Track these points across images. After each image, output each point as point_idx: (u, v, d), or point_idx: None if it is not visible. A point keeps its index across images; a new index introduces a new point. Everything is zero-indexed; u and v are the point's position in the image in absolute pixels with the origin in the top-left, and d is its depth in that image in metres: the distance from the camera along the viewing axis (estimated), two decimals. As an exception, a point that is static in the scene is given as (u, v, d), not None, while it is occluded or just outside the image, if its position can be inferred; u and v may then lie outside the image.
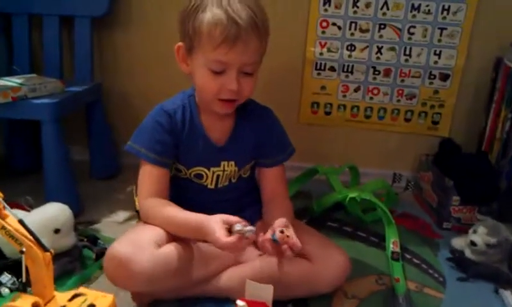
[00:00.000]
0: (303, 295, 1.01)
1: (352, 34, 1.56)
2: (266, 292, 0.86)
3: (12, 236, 0.75)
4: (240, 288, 0.92)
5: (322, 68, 1.62)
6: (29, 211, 1.10)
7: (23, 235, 0.76)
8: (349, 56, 1.59)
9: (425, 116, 1.65)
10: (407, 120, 1.66)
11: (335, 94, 1.65)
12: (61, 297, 0.82)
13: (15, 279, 0.99)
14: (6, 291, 0.97)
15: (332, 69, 1.61)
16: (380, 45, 1.57)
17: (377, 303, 1.05)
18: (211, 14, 0.89)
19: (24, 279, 0.79)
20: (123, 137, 1.02)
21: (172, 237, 0.96)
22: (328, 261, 0.99)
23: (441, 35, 1.53)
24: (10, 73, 1.46)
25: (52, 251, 0.79)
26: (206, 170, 1.05)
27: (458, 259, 1.21)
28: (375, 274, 1.16)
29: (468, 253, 1.20)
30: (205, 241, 0.93)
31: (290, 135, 1.63)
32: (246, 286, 0.87)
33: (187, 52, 0.97)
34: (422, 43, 1.55)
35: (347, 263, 1.01)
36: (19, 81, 1.28)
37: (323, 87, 1.65)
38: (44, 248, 0.77)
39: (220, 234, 0.83)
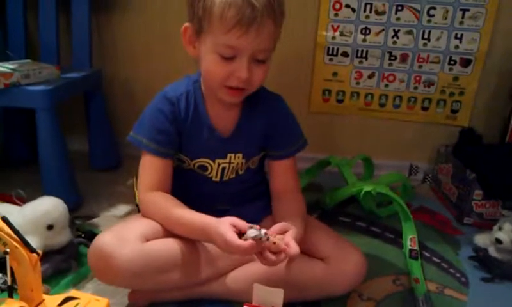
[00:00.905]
0: (316, 297, 0.94)
1: (367, 16, 1.47)
2: (276, 297, 0.78)
3: (-6, 236, 0.68)
4: (246, 289, 0.85)
5: (335, 53, 1.52)
6: (20, 205, 1.03)
7: (7, 234, 0.69)
8: (364, 40, 1.49)
9: (444, 105, 1.55)
10: (424, 109, 1.57)
11: (348, 81, 1.56)
12: (51, 300, 0.75)
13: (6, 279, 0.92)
14: (-5, 291, 0.90)
15: (345, 54, 1.52)
16: (397, 29, 1.47)
17: (395, 305, 0.98)
18: None
19: (9, 282, 0.71)
20: (124, 127, 0.95)
21: (168, 232, 0.89)
22: (344, 262, 0.91)
23: (463, 17, 1.43)
24: (4, 58, 1.38)
25: (40, 251, 0.72)
26: (211, 162, 0.97)
27: (482, 258, 1.12)
28: (392, 274, 1.08)
29: (492, 251, 1.11)
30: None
31: (300, 123, 1.55)
32: (253, 290, 0.79)
33: (195, 34, 0.88)
34: (442, 26, 1.45)
35: (363, 264, 0.93)
36: (12, 67, 1.20)
37: (335, 74, 1.55)
38: (30, 248, 0.70)
39: (232, 237, 0.76)
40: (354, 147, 1.60)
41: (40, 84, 1.21)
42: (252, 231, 0.76)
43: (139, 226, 0.88)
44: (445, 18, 1.44)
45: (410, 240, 1.16)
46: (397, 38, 1.48)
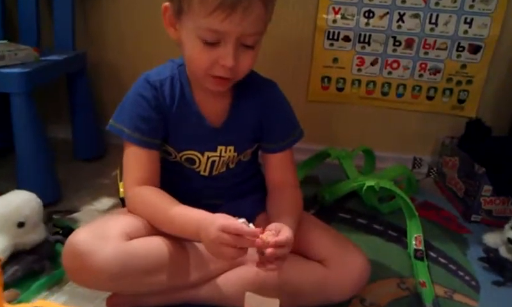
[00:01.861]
0: (314, 304, 0.85)
1: (370, -2, 1.37)
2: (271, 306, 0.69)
3: None
4: (238, 295, 0.78)
5: (335, 37, 1.43)
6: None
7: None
8: (367, 24, 1.40)
9: (450, 94, 1.47)
10: (429, 98, 1.48)
11: (349, 68, 1.47)
12: (15, 311, 0.66)
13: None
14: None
15: (346, 39, 1.42)
16: (402, 12, 1.37)
17: (400, 312, 0.89)
18: None
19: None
20: (110, 114, 0.86)
21: (154, 230, 0.81)
22: (345, 264, 0.83)
23: (473, 0, 1.33)
24: (-22, 39, 1.27)
25: (1, 257, 0.62)
26: (199, 154, 0.88)
27: (493, 260, 1.04)
28: (396, 277, 1.00)
29: (503, 252, 1.03)
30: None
31: (297, 113, 1.44)
32: (245, 300, 0.71)
33: (176, 15, 0.78)
34: (450, 9, 1.35)
35: (366, 267, 0.84)
36: (-16, 47, 1.10)
37: (335, 60, 1.46)
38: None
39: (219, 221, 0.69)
40: (355, 138, 1.52)
41: (16, 66, 1.12)
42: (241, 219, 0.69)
43: (121, 222, 0.79)
44: (455, 1, 1.34)
45: (415, 239, 1.08)
46: (403, 21, 1.38)
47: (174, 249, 0.80)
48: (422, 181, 1.45)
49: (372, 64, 1.45)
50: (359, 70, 1.46)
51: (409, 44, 1.41)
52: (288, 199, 0.88)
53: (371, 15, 1.38)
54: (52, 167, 1.21)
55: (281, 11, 1.41)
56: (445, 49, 1.40)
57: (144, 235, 0.79)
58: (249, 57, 0.77)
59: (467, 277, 1.01)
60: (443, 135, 1.49)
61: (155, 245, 0.79)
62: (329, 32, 1.42)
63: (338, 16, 1.39)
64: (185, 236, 0.79)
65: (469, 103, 1.47)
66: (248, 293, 0.70)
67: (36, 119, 1.14)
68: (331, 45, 1.44)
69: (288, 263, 0.76)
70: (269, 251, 0.68)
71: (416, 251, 1.05)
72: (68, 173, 1.36)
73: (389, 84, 1.48)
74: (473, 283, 1.00)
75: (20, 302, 0.79)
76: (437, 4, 1.35)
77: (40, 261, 0.92)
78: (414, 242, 1.07)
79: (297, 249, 0.84)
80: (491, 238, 1.08)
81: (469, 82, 1.44)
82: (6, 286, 0.79)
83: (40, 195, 0.99)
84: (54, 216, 1.11)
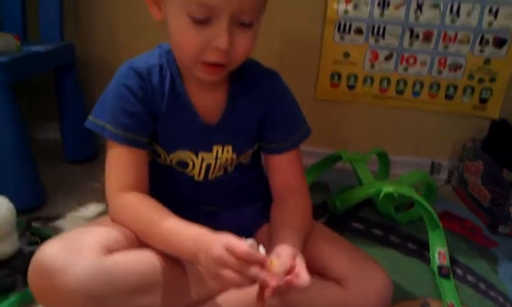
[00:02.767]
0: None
1: (386, -14, 1.25)
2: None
3: None
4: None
5: (347, 30, 1.31)
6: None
7: None
8: (381, 15, 1.28)
9: (472, 93, 1.34)
10: (448, 97, 1.36)
11: (361, 64, 1.35)
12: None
13: None
14: None
15: (359, 31, 1.31)
16: (420, 1, 1.26)
17: (425, 340, 0.77)
18: None
19: None
20: None
21: (140, 243, 0.69)
22: (365, 285, 0.71)
23: (499, -12, 1.22)
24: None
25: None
26: (192, 156, 0.76)
27: (529, 279, 0.92)
28: (419, 296, 0.87)
29: (540, 270, 0.91)
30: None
31: (304, 113, 1.33)
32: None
33: None
34: (473, -2, 1.24)
35: (389, 287, 0.72)
36: (-43, 34, 0.99)
37: (347, 55, 1.34)
38: None
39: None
40: (367, 141, 1.40)
41: (-7, 55, 1.01)
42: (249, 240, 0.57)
43: (99, 233, 0.67)
44: (478, -10, 1.23)
45: (439, 253, 0.96)
46: (421, 12, 1.27)
47: (168, 264, 0.69)
48: (440, 189, 1.33)
49: (387, 59, 1.33)
50: (372, 65, 1.35)
51: (427, 37, 1.29)
52: (294, 209, 0.76)
53: (386, 4, 1.27)
54: (34, 169, 1.10)
55: (288, 0, 1.29)
56: (467, 43, 1.28)
57: (129, 247, 0.68)
58: (246, 38, 0.65)
59: (500, 299, 0.89)
60: (463, 137, 1.37)
61: (144, 259, 0.67)
62: (340, 23, 1.30)
63: (350, 6, 1.28)
64: (180, 255, 0.67)
65: (492, 103, 1.35)
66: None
67: (17, 116, 1.04)
68: (342, 38, 1.32)
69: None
70: (274, 284, 0.56)
71: (440, 267, 0.93)
72: (55, 176, 1.26)
73: (405, 82, 1.36)
74: (508, 305, 0.87)
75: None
76: (459, -8, 1.23)
77: (11, 276, 0.81)
78: (438, 257, 0.95)
79: (310, 266, 0.72)
80: (526, 253, 0.96)
81: (492, 79, 1.32)
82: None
83: (20, 199, 0.89)
84: (34, 224, 1.00)
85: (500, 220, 1.11)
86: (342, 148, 1.29)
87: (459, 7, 1.25)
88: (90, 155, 1.40)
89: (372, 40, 1.31)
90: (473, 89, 1.34)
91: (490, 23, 1.25)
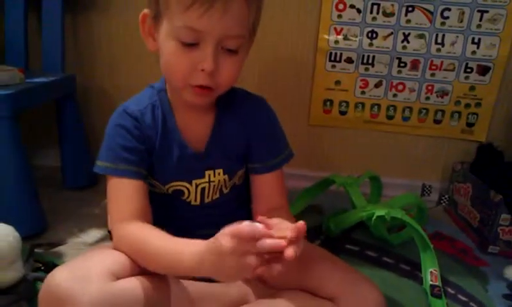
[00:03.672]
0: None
1: (374, 18, 1.32)
2: None
3: None
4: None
5: (338, 59, 1.37)
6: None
7: None
8: (370, 45, 1.34)
9: (459, 117, 1.40)
10: (437, 121, 1.41)
11: (352, 91, 1.40)
12: None
13: None
14: None
15: (349, 60, 1.36)
16: (407, 32, 1.32)
17: None
18: None
19: None
20: (101, 140, 0.78)
21: (141, 270, 0.71)
22: (358, 303, 0.73)
23: (481, 19, 1.28)
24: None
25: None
26: (187, 184, 0.80)
27: (518, 297, 0.95)
28: (412, 316, 0.90)
29: (528, 288, 0.94)
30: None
31: (298, 138, 1.37)
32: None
33: (154, 21, 0.72)
34: (457, 29, 1.30)
35: (382, 304, 0.75)
36: (-36, 68, 1.03)
37: (338, 82, 1.39)
38: None
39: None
40: (358, 165, 1.44)
41: (-1, 88, 1.04)
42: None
43: (105, 259, 0.69)
44: (461, 21, 1.29)
45: (431, 273, 0.99)
46: (408, 42, 1.33)
47: (174, 291, 0.72)
48: (431, 210, 1.37)
49: (376, 86, 1.39)
50: (362, 92, 1.40)
51: (414, 65, 1.35)
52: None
53: (374, 35, 1.33)
54: (36, 196, 1.12)
55: (281, 31, 1.35)
56: (453, 70, 1.34)
57: (135, 274, 0.70)
58: (231, 63, 0.70)
59: (491, 317, 0.92)
60: (452, 160, 1.41)
61: (150, 285, 0.68)
62: (331, 53, 1.36)
63: (340, 36, 1.34)
64: (182, 270, 0.67)
65: (478, 127, 1.40)
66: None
67: (20, 146, 1.07)
68: (333, 66, 1.38)
69: (294, 303, 0.69)
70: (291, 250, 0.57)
71: (433, 287, 0.96)
72: (56, 202, 1.29)
73: (394, 107, 1.41)
74: (498, 323, 0.90)
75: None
76: (443, 23, 1.30)
77: (16, 302, 0.82)
78: (430, 278, 0.98)
79: (304, 285, 0.75)
80: (514, 272, 0.99)
81: (478, 104, 1.38)
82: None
83: (22, 226, 0.92)
84: (36, 250, 1.02)
85: (489, 241, 1.15)
86: (335, 171, 1.33)
87: (443, 38, 1.31)
88: (89, 182, 1.42)
89: (362, 68, 1.37)
90: (460, 114, 1.40)
91: (473, 52, 1.31)
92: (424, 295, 0.97)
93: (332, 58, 1.37)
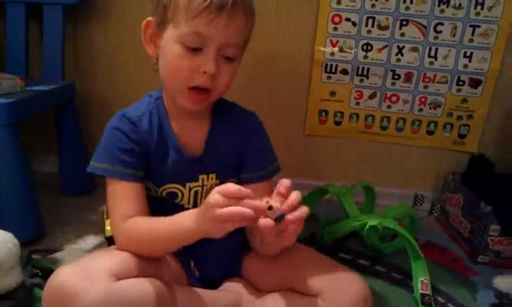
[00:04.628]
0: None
1: (369, 31, 1.34)
2: None
3: None
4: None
5: (333, 70, 1.39)
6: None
7: None
8: (365, 57, 1.37)
9: (451, 129, 1.43)
10: (430, 133, 1.44)
11: (347, 102, 1.43)
12: None
13: None
14: None
15: (344, 72, 1.39)
16: (401, 45, 1.35)
17: None
18: None
19: None
20: None
21: (144, 271, 0.73)
22: (341, 292, 0.74)
23: (473, 34, 1.31)
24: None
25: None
26: (180, 187, 0.84)
27: (506, 306, 0.97)
28: (403, 325, 0.92)
29: (516, 297, 0.96)
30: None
31: (294, 147, 1.39)
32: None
33: (158, 28, 0.77)
34: (449, 43, 1.33)
35: (367, 293, 0.76)
36: (-34, 76, 1.05)
37: (333, 93, 1.42)
38: None
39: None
40: (353, 174, 1.47)
41: (0, 96, 1.06)
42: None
43: (108, 260, 0.72)
44: (454, 35, 1.32)
45: (421, 282, 1.01)
46: (401, 55, 1.36)
47: (171, 291, 0.75)
48: (423, 219, 1.39)
49: (371, 97, 1.42)
50: (357, 103, 1.43)
51: (408, 77, 1.38)
52: None
53: (369, 47, 1.36)
54: (34, 202, 1.14)
55: (278, 43, 1.38)
56: (445, 83, 1.37)
57: (135, 275, 0.72)
58: (228, 71, 0.77)
59: (480, 326, 0.94)
60: (444, 170, 1.44)
61: (152, 286, 0.71)
62: (326, 65, 1.39)
63: (336, 49, 1.37)
64: (186, 237, 0.73)
65: (470, 138, 1.43)
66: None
67: (21, 154, 1.09)
68: (329, 78, 1.40)
69: (283, 302, 0.73)
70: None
71: (423, 295, 0.98)
72: (54, 208, 1.30)
73: (388, 118, 1.44)
74: (486, 332, 0.92)
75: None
76: (436, 37, 1.33)
77: (14, 308, 0.84)
78: (420, 286, 1.00)
79: (292, 286, 0.78)
80: (503, 282, 1.01)
81: (470, 116, 1.40)
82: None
83: (21, 232, 0.93)
84: (34, 256, 1.03)
85: (479, 250, 1.17)
86: (330, 180, 1.36)
87: (436, 51, 1.34)
88: (87, 188, 1.44)
89: (357, 80, 1.40)
90: (452, 126, 1.42)
91: (465, 66, 1.34)
92: (414, 304, 0.99)
93: (328, 69, 1.39)
